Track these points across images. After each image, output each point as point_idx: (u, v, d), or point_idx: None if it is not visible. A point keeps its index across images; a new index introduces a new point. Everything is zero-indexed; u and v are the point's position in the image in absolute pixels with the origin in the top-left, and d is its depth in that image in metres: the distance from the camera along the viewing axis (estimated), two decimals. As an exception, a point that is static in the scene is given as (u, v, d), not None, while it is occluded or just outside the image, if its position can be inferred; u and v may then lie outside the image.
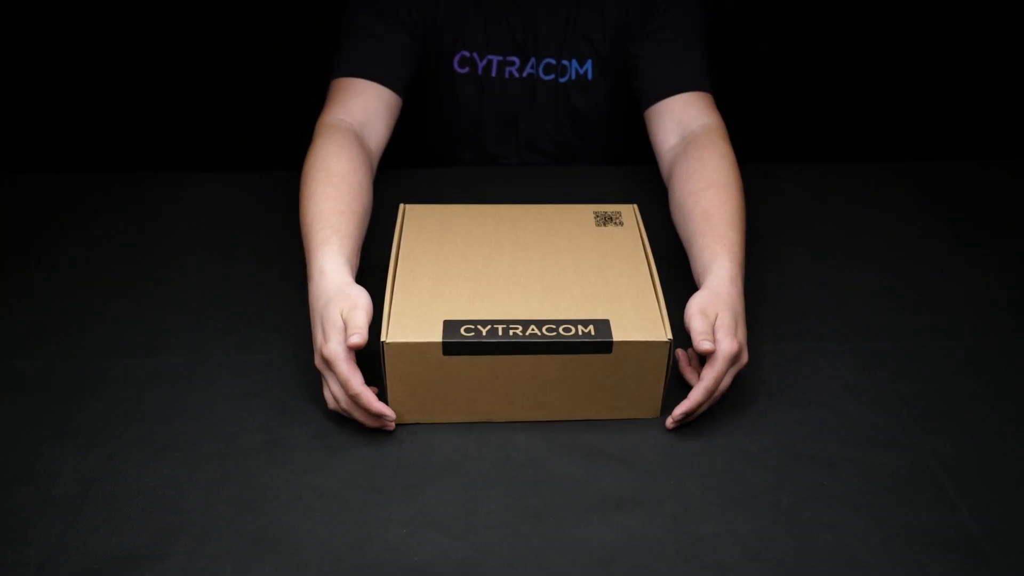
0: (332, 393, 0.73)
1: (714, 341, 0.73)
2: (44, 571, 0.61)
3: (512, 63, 1.14)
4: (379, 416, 0.72)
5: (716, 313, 0.75)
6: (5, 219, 1.06)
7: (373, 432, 0.73)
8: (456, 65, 1.14)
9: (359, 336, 0.70)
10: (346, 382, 0.70)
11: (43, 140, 1.45)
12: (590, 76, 1.14)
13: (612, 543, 0.63)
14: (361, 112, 1.02)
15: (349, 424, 0.74)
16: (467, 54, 1.13)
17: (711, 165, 0.94)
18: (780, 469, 0.70)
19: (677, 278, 0.84)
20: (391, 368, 0.71)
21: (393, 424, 0.73)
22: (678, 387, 0.77)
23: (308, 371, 0.80)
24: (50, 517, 0.65)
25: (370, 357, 0.71)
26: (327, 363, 0.71)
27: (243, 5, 1.38)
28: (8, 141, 1.42)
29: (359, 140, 0.98)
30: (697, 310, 0.75)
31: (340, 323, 0.72)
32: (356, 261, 0.82)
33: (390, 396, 0.72)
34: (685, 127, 1.02)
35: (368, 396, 0.70)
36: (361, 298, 0.73)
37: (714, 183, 0.92)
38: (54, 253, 0.99)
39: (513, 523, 0.65)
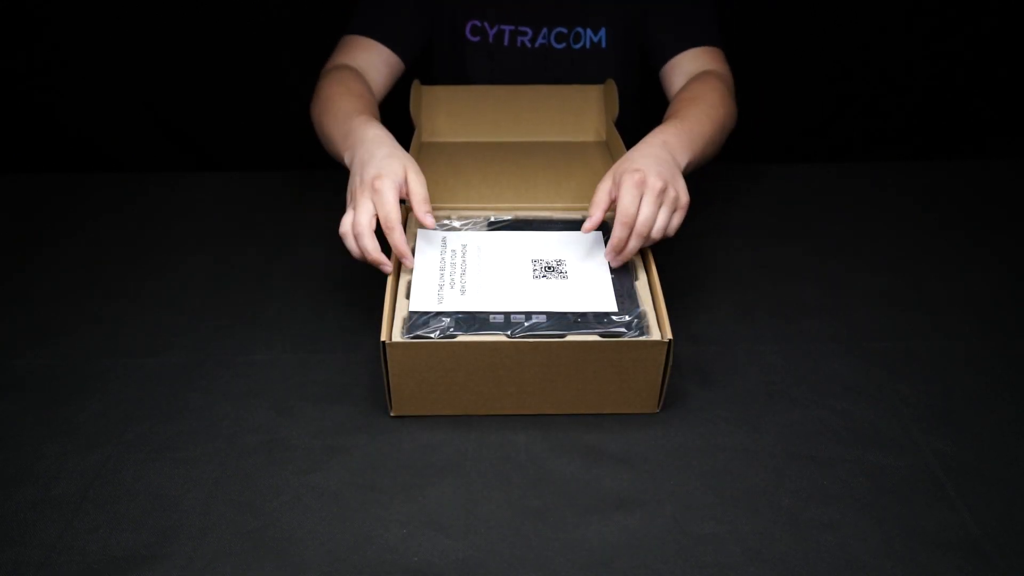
0: (356, 219, 0.75)
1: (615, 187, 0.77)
2: (44, 571, 0.61)
3: (524, 33, 1.14)
4: (378, 263, 0.75)
5: (624, 170, 0.78)
6: (5, 219, 1.06)
7: (373, 432, 0.73)
8: (468, 34, 1.14)
9: (427, 209, 0.78)
10: (389, 212, 0.75)
11: (43, 140, 1.45)
12: (604, 44, 1.15)
13: (612, 543, 0.63)
14: (363, 61, 1.07)
15: (349, 424, 0.74)
16: (478, 23, 1.13)
17: (696, 87, 1.00)
18: (780, 469, 0.70)
19: (677, 278, 0.84)
20: (393, 366, 0.71)
21: (390, 268, 0.77)
22: (678, 386, 0.78)
23: (308, 371, 0.80)
24: (50, 517, 0.65)
25: (372, 352, 0.71)
26: (375, 191, 0.75)
27: (243, 5, 1.38)
28: (8, 141, 1.42)
29: (363, 76, 1.04)
30: (608, 176, 0.80)
31: (401, 174, 0.77)
32: None
33: (393, 391, 0.73)
34: (691, 76, 1.06)
35: (400, 232, 0.75)
36: (412, 164, 0.79)
37: (690, 99, 0.97)
38: (54, 253, 0.99)
39: (513, 523, 0.65)
